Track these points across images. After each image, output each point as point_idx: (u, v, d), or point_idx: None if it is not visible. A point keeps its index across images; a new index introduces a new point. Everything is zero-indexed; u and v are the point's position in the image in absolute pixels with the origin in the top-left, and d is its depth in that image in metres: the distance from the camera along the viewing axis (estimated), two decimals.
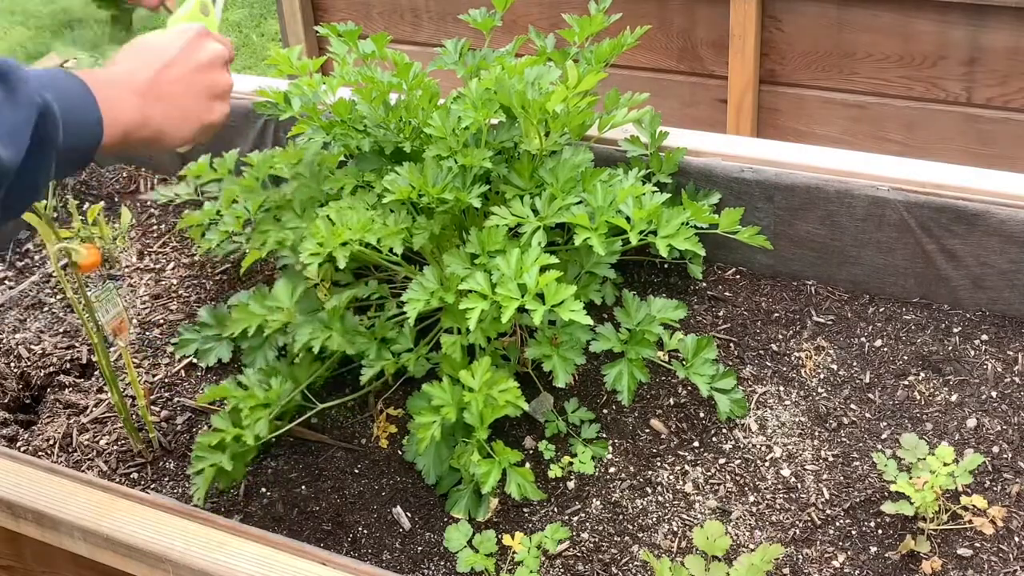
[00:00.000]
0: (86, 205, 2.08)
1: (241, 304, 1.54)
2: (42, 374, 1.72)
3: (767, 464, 1.46)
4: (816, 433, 1.50)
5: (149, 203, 2.11)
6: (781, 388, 1.57)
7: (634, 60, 2.83)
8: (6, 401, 1.68)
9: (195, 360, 1.70)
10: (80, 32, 5.22)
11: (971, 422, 1.48)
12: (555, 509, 1.43)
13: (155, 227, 2.05)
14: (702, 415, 1.54)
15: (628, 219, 1.45)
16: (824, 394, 1.55)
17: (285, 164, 1.66)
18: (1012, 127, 2.51)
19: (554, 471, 1.47)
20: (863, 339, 1.63)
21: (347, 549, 1.41)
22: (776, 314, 1.69)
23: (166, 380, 1.68)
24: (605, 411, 1.56)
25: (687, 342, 1.53)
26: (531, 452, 1.51)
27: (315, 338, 1.46)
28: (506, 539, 1.37)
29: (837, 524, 1.38)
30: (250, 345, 1.63)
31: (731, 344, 1.64)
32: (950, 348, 1.60)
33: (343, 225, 1.41)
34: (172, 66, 1.28)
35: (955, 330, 1.62)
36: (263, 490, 1.50)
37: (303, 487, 1.50)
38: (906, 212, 1.61)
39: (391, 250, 1.44)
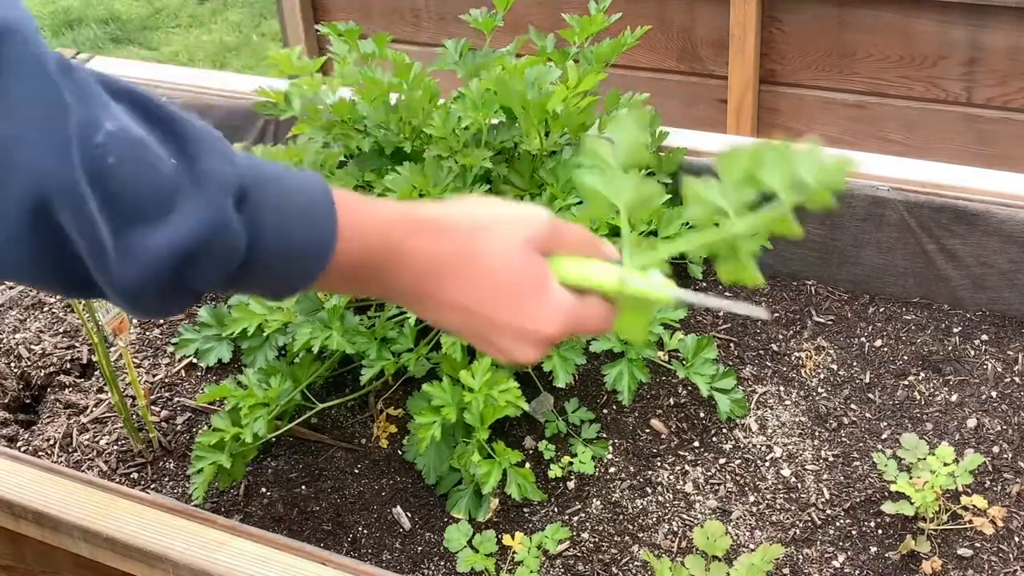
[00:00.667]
0: None
1: (241, 304, 1.54)
2: (42, 374, 1.72)
3: (767, 464, 1.46)
4: (816, 433, 1.50)
5: None
6: (781, 388, 1.57)
7: (634, 60, 2.82)
8: (6, 401, 1.68)
9: (195, 360, 1.70)
10: (80, 32, 5.23)
11: (971, 422, 1.48)
12: (555, 509, 1.43)
13: None
14: (702, 415, 1.54)
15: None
16: (824, 394, 1.55)
17: (286, 164, 1.66)
18: (1012, 127, 2.51)
19: (554, 471, 1.47)
20: (863, 339, 1.63)
21: (347, 549, 1.41)
22: (776, 314, 1.69)
23: (166, 380, 1.68)
24: (605, 411, 1.56)
25: (687, 342, 1.53)
26: (531, 452, 1.51)
27: (315, 338, 1.46)
28: (506, 539, 1.37)
29: (837, 524, 1.38)
30: (250, 345, 1.63)
31: (731, 344, 1.64)
32: (950, 348, 1.60)
33: None
34: (494, 331, 0.84)
35: (955, 330, 1.62)
36: (263, 490, 1.50)
37: (303, 487, 1.50)
38: (906, 212, 1.61)
39: None
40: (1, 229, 0.66)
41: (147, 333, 1.78)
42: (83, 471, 1.53)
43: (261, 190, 0.74)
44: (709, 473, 1.46)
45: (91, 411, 1.64)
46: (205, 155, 0.71)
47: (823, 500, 1.41)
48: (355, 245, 0.78)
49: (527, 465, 1.48)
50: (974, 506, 1.35)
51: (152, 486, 1.51)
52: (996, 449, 1.44)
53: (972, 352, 1.59)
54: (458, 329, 0.85)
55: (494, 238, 0.82)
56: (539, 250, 0.84)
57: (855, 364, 1.59)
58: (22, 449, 1.58)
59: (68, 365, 1.74)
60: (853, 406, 1.53)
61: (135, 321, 1.80)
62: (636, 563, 1.35)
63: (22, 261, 0.68)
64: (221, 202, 0.71)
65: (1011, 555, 1.32)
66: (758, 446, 1.49)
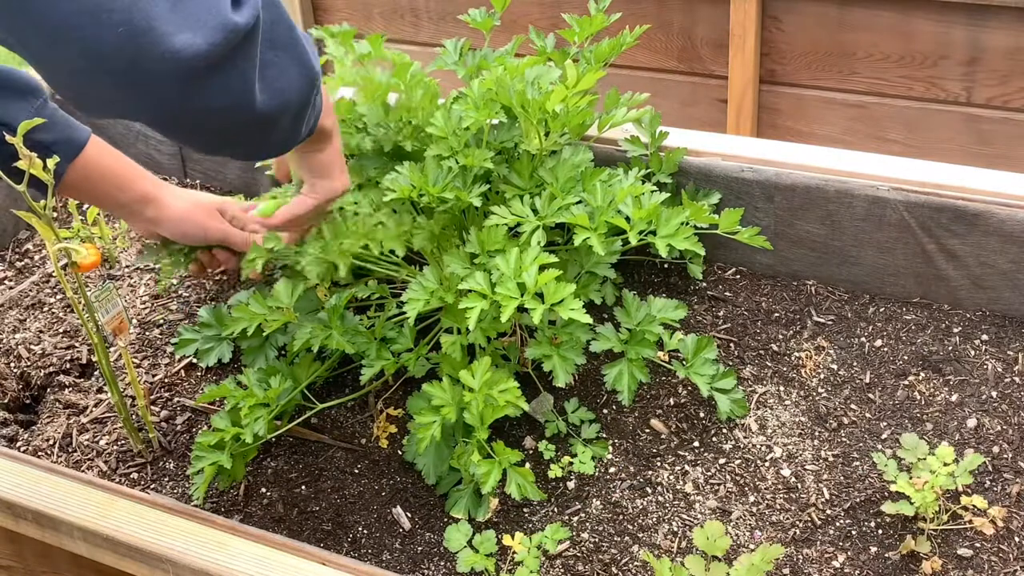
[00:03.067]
0: (86, 205, 2.08)
1: (241, 304, 1.54)
2: (42, 374, 1.72)
3: (767, 464, 1.46)
4: (816, 433, 1.50)
5: None
6: (781, 388, 1.57)
7: (634, 60, 2.82)
8: (6, 401, 1.68)
9: (195, 360, 1.70)
10: None
11: (971, 422, 1.48)
12: (555, 509, 1.43)
13: None
14: (702, 415, 1.54)
15: (628, 219, 1.45)
16: (824, 394, 1.55)
17: None
18: (1012, 127, 2.51)
19: (554, 471, 1.47)
20: (863, 339, 1.63)
21: (347, 549, 1.41)
22: (776, 314, 1.68)
23: (166, 380, 1.68)
24: (605, 411, 1.56)
25: (687, 342, 1.53)
26: (531, 452, 1.51)
27: (315, 337, 1.46)
28: (506, 539, 1.37)
29: (837, 524, 1.38)
30: (250, 345, 1.63)
31: (731, 344, 1.64)
32: (950, 348, 1.60)
33: (346, 230, 1.42)
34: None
35: (955, 330, 1.62)
36: (263, 490, 1.50)
37: (303, 487, 1.50)
38: (906, 212, 1.61)
39: (392, 251, 1.44)
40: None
41: (147, 333, 1.78)
42: (83, 471, 1.53)
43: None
44: (709, 473, 1.46)
45: (91, 411, 1.64)
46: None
47: (823, 500, 1.41)
48: None
49: (527, 465, 1.48)
50: (974, 506, 1.35)
51: (152, 486, 1.51)
52: (996, 449, 1.44)
53: (972, 352, 1.59)
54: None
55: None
56: None
57: (855, 364, 1.59)
58: (22, 449, 1.58)
59: (68, 365, 1.74)
60: (853, 406, 1.53)
61: (135, 321, 1.80)
62: (636, 563, 1.35)
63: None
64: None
65: (1011, 555, 1.32)
66: (758, 446, 1.49)
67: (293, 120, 1.21)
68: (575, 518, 1.41)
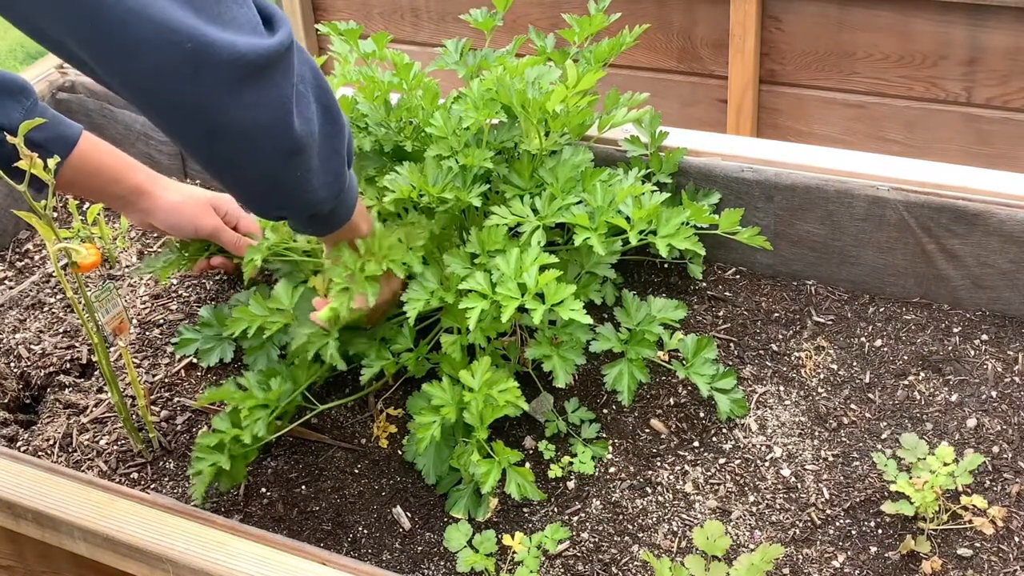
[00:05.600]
0: (86, 205, 2.08)
1: (241, 305, 1.54)
2: (42, 374, 1.72)
3: (767, 464, 1.46)
4: (816, 433, 1.50)
5: None
6: (781, 388, 1.57)
7: (634, 60, 2.83)
8: (6, 401, 1.68)
9: (195, 360, 1.70)
10: None
11: (971, 422, 1.49)
12: (555, 509, 1.43)
13: None
14: (702, 415, 1.54)
15: (628, 219, 1.45)
16: (824, 394, 1.55)
17: None
18: (1012, 127, 2.51)
19: (554, 471, 1.47)
20: (863, 339, 1.63)
21: (347, 549, 1.41)
22: (776, 314, 1.69)
23: (166, 380, 1.68)
24: (605, 411, 1.56)
25: (687, 342, 1.53)
26: (531, 452, 1.51)
27: (311, 344, 1.46)
28: (506, 539, 1.37)
29: (837, 524, 1.38)
30: (250, 346, 1.62)
31: (731, 344, 1.64)
32: (950, 348, 1.60)
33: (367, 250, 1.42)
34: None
35: (955, 330, 1.62)
36: (263, 490, 1.50)
37: (303, 487, 1.50)
38: (906, 212, 1.61)
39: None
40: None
41: (147, 333, 1.78)
42: (83, 471, 1.53)
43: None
44: (709, 473, 1.46)
45: (91, 411, 1.64)
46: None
47: (823, 500, 1.41)
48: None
49: (527, 465, 1.48)
50: (974, 506, 1.35)
51: (152, 486, 1.51)
52: (996, 449, 1.45)
53: (972, 352, 1.59)
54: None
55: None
56: None
57: (855, 364, 1.59)
58: (22, 449, 1.58)
59: (68, 365, 1.74)
60: (853, 406, 1.53)
61: (135, 321, 1.80)
62: (636, 563, 1.35)
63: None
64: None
65: (1011, 555, 1.32)
66: (758, 446, 1.49)
67: (321, 162, 1.24)
68: (575, 518, 1.41)
